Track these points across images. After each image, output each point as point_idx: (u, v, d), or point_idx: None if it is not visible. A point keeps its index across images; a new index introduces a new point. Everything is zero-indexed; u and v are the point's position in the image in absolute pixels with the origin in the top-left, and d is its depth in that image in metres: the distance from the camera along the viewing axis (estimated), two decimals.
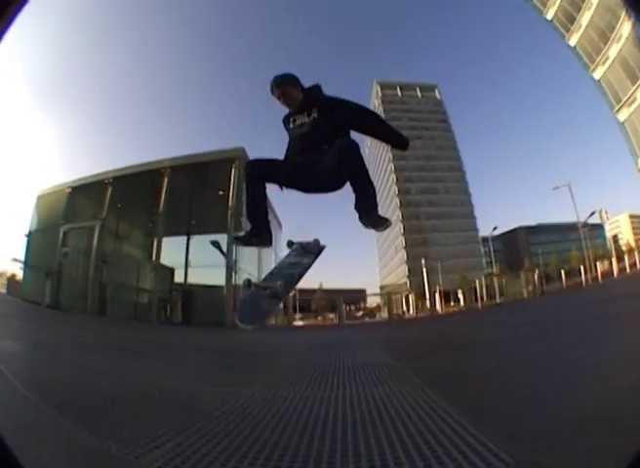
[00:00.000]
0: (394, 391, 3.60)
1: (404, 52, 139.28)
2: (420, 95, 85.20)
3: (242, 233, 3.57)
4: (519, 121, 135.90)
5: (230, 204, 18.73)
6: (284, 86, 3.38)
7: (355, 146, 3.10)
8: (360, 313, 54.31)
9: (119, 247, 23.26)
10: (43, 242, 21.65)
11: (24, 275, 23.99)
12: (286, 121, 3.56)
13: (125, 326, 15.26)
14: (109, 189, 20.63)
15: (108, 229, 21.04)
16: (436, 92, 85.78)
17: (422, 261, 55.67)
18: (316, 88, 3.49)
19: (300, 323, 32.86)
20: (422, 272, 54.08)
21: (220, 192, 18.58)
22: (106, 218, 20.38)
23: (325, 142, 3.22)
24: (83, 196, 22.30)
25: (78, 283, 19.52)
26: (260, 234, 3.38)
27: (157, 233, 19.51)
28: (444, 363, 5.29)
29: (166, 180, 19.47)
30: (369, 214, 3.22)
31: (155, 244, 19.95)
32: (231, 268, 18.30)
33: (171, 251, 21.74)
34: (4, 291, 40.90)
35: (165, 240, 23.86)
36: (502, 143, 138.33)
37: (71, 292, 19.40)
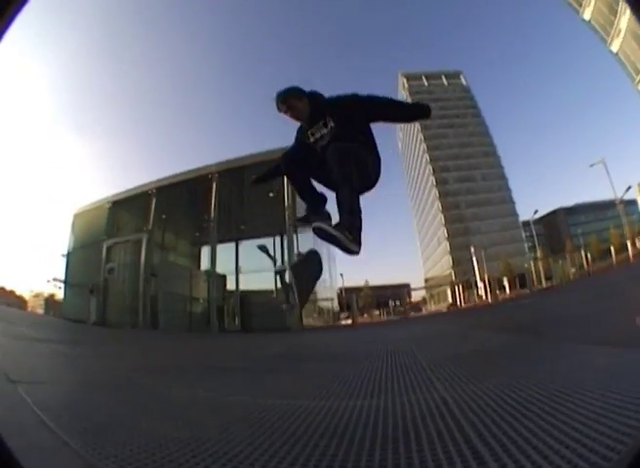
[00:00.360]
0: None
1: (421, 40, 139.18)
2: (445, 82, 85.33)
3: (302, 215, 3.52)
4: (546, 101, 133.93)
5: (287, 204, 18.04)
6: (289, 100, 3.35)
7: (338, 150, 3.03)
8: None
9: (167, 258, 22.91)
10: (84, 259, 21.41)
11: (65, 294, 24.18)
12: (303, 134, 3.51)
13: (190, 338, 14.41)
14: (153, 200, 20.33)
15: (155, 241, 20.68)
16: (461, 78, 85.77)
17: (472, 250, 54.94)
18: (317, 94, 3.44)
19: (347, 321, 32.45)
20: (472, 261, 53.60)
21: (270, 194, 18.36)
22: (152, 230, 20.11)
23: None
24: (124, 210, 22.07)
25: (126, 297, 19.20)
26: (318, 210, 3.38)
27: (210, 240, 19.03)
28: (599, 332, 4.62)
29: (214, 186, 19.00)
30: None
31: (209, 251, 19.64)
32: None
33: (219, 258, 21.22)
34: (41, 311, 41.70)
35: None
36: (533, 125, 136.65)
37: (119, 307, 19.11)
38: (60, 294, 27.67)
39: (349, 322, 25.58)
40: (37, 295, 60.00)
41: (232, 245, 23.29)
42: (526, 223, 68.47)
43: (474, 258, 52.97)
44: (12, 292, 64.84)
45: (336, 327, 24.05)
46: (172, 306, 18.58)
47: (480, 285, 42.46)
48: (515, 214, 73.78)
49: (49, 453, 1.80)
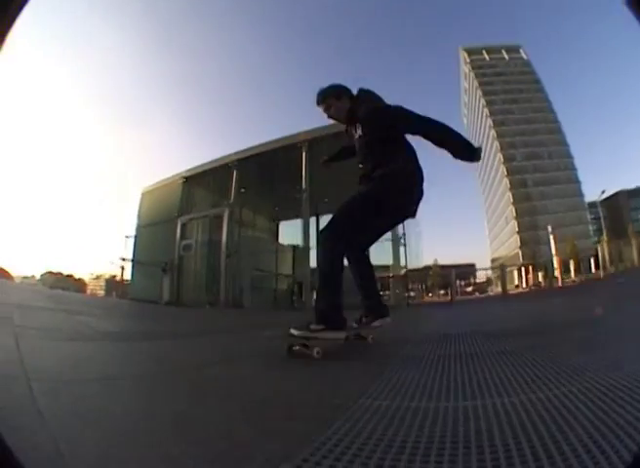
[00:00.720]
0: None
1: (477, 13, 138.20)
2: (506, 57, 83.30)
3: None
4: (603, 81, 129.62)
5: None
6: (326, 100, 3.42)
7: (320, 237, 3.17)
8: (470, 288, 52.12)
9: (247, 233, 21.73)
10: (154, 237, 21.14)
11: (133, 274, 23.94)
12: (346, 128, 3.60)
13: (292, 317, 12.23)
14: (234, 173, 19.28)
15: (234, 216, 19.05)
16: (521, 52, 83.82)
17: (549, 229, 53.67)
18: (364, 94, 3.40)
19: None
20: (549, 241, 52.40)
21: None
22: (234, 204, 18.99)
23: (375, 162, 3.27)
24: (200, 185, 21.34)
25: (205, 275, 18.52)
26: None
27: (303, 213, 17.26)
28: None
29: (304, 155, 17.50)
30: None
31: (302, 225, 18.40)
32: (398, 242, 16.96)
33: (296, 233, 20.72)
34: (102, 292, 42.28)
35: (288, 223, 24.01)
36: (590, 102, 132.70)
37: (196, 285, 18.44)
38: (122, 275, 27.56)
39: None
40: (97, 277, 61.28)
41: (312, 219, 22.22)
42: (592, 205, 67.94)
43: (552, 237, 51.52)
44: (70, 277, 66.35)
45: (437, 303, 22.91)
46: (257, 283, 17.94)
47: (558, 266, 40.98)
48: (581, 195, 72.03)
49: None
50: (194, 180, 21.16)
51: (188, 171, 21.42)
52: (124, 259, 23.65)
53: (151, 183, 24.33)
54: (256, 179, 19.95)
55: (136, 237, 23.72)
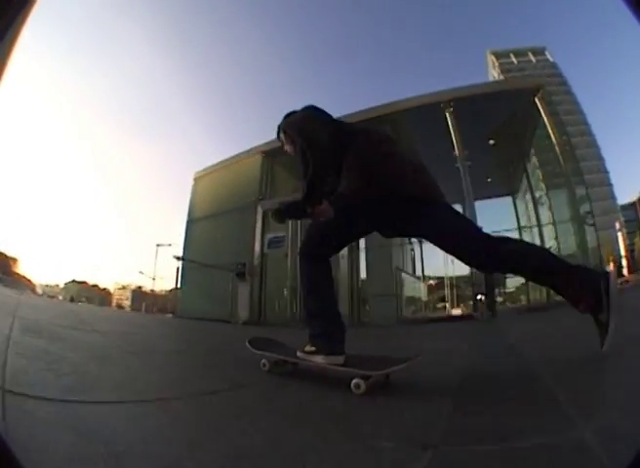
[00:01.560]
0: None
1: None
2: (533, 59, 79.73)
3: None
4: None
5: (556, 139, 11.98)
6: None
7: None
8: (500, 299, 48.24)
9: None
10: (218, 232, 15.28)
11: (184, 282, 17.77)
12: None
13: None
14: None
15: None
16: (547, 54, 79.60)
17: (617, 225, 50.38)
18: None
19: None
20: (618, 239, 49.10)
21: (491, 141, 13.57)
22: None
23: None
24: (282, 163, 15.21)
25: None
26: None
27: (466, 194, 11.43)
28: None
29: (448, 117, 12.13)
30: None
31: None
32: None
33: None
34: (128, 303, 36.33)
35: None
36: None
37: (292, 296, 12.47)
38: (176, 282, 21.32)
39: None
40: (123, 288, 56.53)
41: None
42: (625, 207, 64.08)
43: (619, 235, 47.73)
44: (95, 286, 61.49)
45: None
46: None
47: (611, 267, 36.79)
48: (614, 197, 66.68)
49: None
50: (279, 156, 15.38)
51: (268, 144, 15.55)
52: (180, 258, 17.18)
53: (207, 165, 18.76)
54: None
55: (186, 235, 17.87)
